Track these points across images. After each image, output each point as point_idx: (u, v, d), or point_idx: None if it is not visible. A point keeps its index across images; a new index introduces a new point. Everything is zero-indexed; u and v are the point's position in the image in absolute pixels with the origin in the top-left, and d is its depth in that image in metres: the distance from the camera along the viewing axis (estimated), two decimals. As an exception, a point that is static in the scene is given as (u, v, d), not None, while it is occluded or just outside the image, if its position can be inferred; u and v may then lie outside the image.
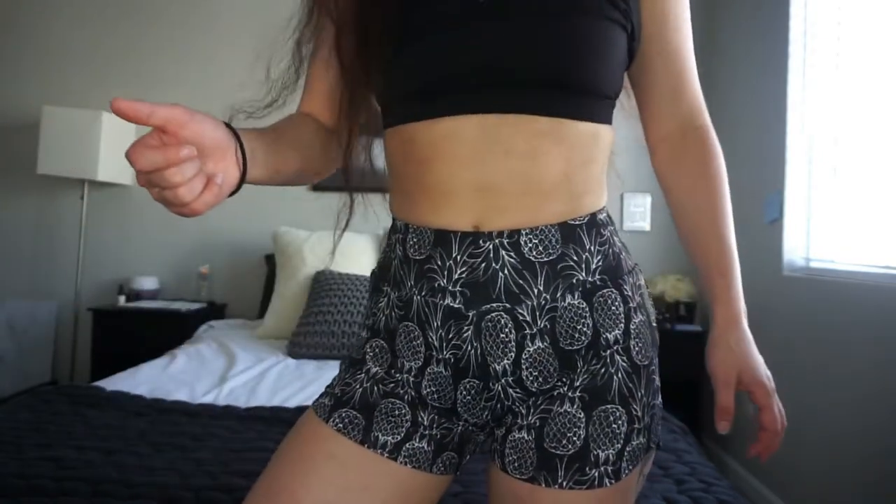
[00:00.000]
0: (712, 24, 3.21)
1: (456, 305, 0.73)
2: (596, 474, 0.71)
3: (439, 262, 0.73)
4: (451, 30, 0.72)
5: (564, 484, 0.71)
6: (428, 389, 0.76)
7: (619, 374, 0.73)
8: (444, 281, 0.73)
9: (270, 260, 3.15)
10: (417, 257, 0.75)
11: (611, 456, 0.71)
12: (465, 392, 0.76)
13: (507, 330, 0.72)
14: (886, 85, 1.96)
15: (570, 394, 0.73)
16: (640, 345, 0.75)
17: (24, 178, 3.25)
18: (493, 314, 0.72)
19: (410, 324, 0.76)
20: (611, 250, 0.76)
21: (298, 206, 3.00)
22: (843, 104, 2.19)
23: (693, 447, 1.58)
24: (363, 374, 0.79)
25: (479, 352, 0.73)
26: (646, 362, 0.75)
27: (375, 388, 0.78)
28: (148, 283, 3.15)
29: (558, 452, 0.71)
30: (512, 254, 0.71)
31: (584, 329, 0.73)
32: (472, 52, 0.71)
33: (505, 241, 0.71)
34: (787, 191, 2.40)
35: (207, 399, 1.94)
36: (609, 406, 0.72)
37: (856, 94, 2.12)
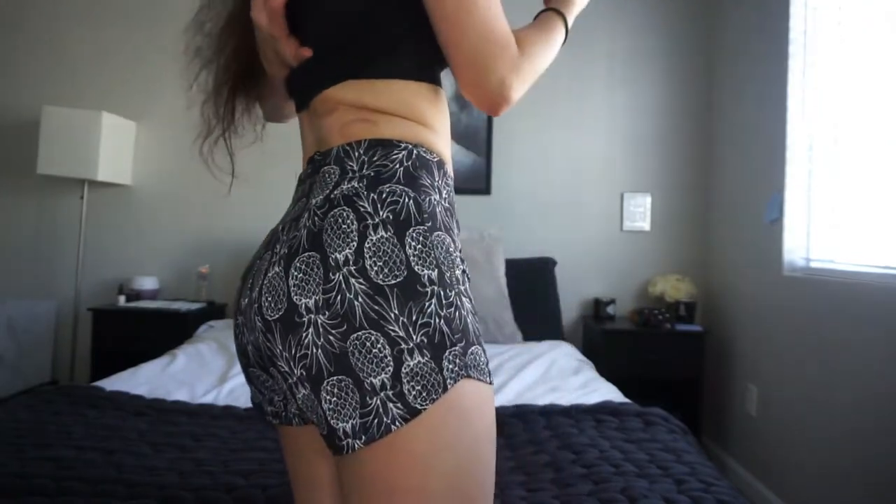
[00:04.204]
0: (712, 23, 3.21)
1: None
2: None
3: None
4: None
5: None
6: None
7: None
8: None
9: (270, 260, 3.15)
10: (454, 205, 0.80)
11: None
12: None
13: None
14: (887, 85, 1.96)
15: None
16: None
17: (24, 178, 3.25)
18: None
19: None
20: None
21: (298, 206, 3.00)
22: (844, 104, 2.19)
23: (693, 447, 1.58)
24: None
25: None
26: None
27: None
28: (148, 283, 3.15)
29: None
30: None
31: None
32: None
33: None
34: (787, 191, 2.40)
35: (207, 399, 1.95)
36: None
37: (856, 95, 2.12)
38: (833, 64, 2.26)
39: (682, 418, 2.75)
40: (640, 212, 3.24)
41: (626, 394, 2.12)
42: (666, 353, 2.80)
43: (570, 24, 0.84)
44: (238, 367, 2.22)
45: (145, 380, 2.08)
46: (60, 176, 2.98)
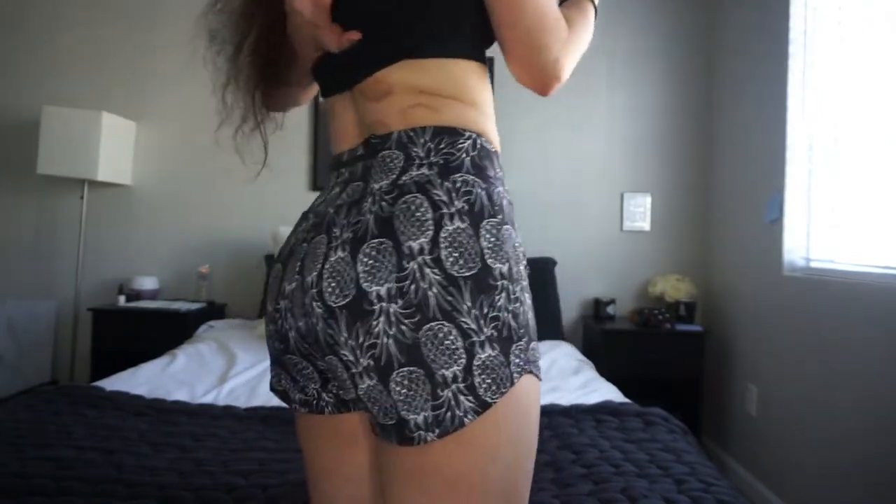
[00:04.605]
0: (712, 23, 3.21)
1: None
2: None
3: None
4: None
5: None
6: None
7: None
8: None
9: (270, 260, 3.15)
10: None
11: None
12: None
13: None
14: (887, 85, 1.96)
15: None
16: None
17: (24, 178, 3.25)
18: None
19: None
20: None
21: (298, 205, 3.00)
22: (844, 104, 2.19)
23: (693, 447, 1.58)
24: None
25: None
26: None
27: None
28: (148, 283, 3.15)
29: None
30: None
31: None
32: None
33: None
34: (787, 191, 2.40)
35: (207, 399, 1.95)
36: None
37: (856, 95, 2.12)
38: (833, 64, 2.26)
39: (682, 418, 2.75)
40: (640, 212, 3.24)
41: (626, 394, 2.12)
42: (666, 353, 2.80)
43: (597, 5, 0.86)
44: (238, 367, 2.22)
45: (145, 380, 2.08)
46: (60, 176, 2.98)
